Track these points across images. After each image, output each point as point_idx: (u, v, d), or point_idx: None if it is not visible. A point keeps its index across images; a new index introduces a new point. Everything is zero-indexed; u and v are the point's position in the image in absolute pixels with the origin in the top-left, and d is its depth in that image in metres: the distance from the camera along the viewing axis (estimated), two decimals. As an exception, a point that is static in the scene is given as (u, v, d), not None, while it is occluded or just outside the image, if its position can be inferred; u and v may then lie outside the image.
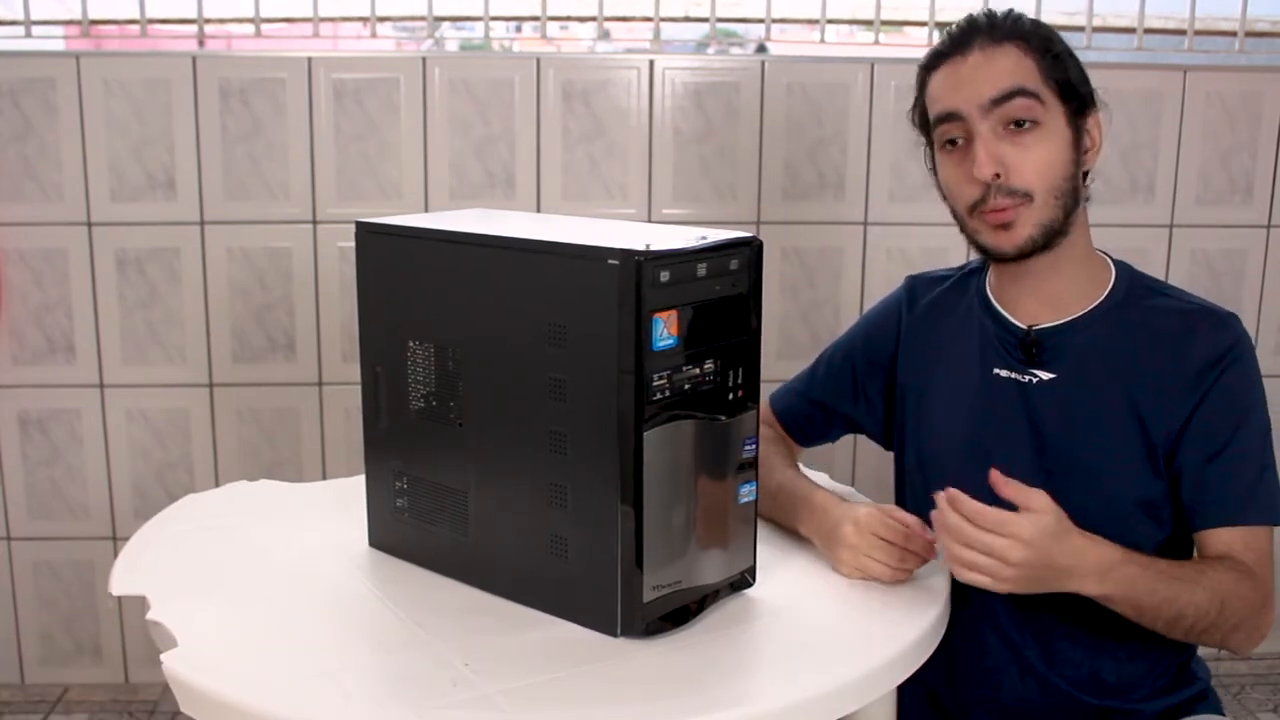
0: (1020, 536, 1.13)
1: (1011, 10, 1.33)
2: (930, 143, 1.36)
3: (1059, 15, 2.45)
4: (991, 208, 1.28)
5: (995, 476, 1.16)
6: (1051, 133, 1.28)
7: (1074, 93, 1.30)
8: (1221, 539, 1.27)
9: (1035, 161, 1.27)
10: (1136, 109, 2.39)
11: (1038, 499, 1.15)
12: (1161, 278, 2.37)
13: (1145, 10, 2.45)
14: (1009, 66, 1.28)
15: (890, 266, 2.39)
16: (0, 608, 2.44)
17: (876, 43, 2.45)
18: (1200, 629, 1.23)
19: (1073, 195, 1.31)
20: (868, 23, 2.47)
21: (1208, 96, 2.40)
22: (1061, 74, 1.29)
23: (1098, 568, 1.18)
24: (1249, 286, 2.48)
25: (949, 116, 1.30)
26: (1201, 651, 1.42)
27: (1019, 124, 1.27)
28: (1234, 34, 2.48)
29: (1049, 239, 1.30)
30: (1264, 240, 2.47)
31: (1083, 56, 1.34)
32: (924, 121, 1.36)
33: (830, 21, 2.43)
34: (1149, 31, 2.47)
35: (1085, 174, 1.35)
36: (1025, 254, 1.30)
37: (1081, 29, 2.44)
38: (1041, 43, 1.30)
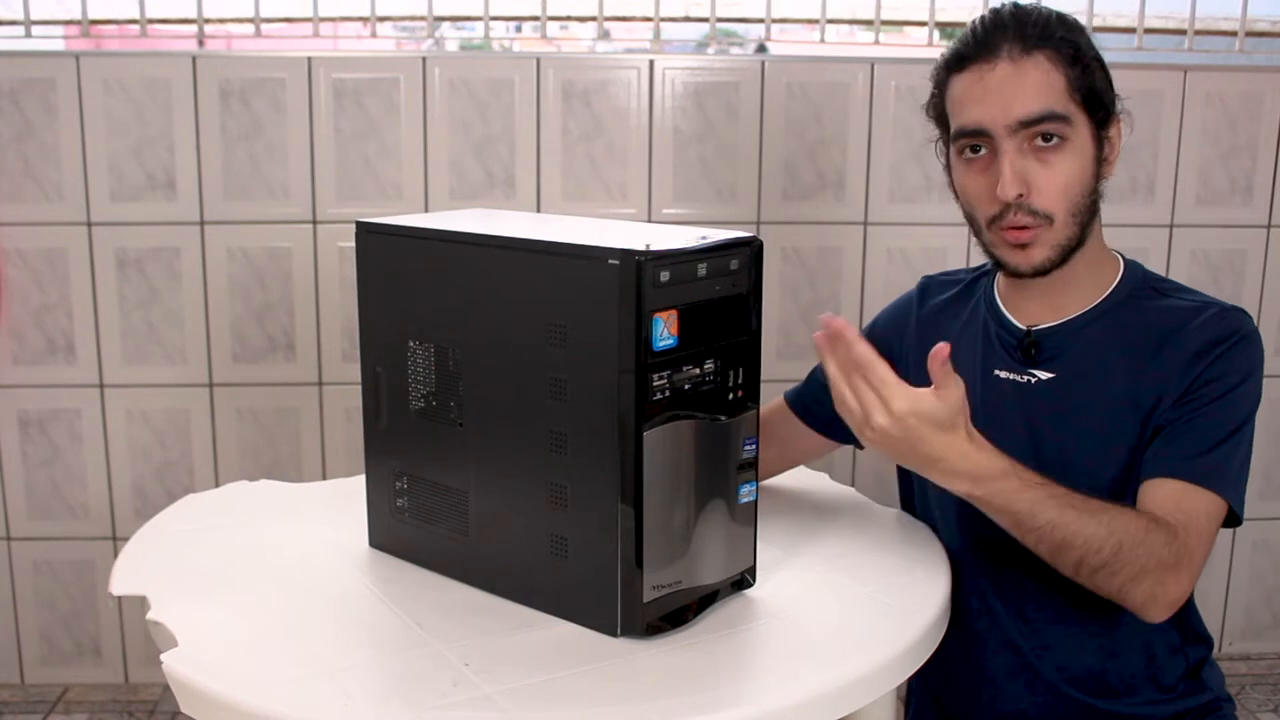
0: (889, 404, 1.11)
1: (1040, 10, 1.29)
2: (947, 140, 1.34)
3: (1059, 15, 2.44)
4: (1010, 224, 1.28)
5: (938, 350, 1.12)
6: (1077, 150, 1.27)
7: (1099, 103, 1.28)
8: (1157, 491, 1.23)
9: (1059, 181, 1.26)
10: (1136, 109, 2.36)
11: (948, 389, 1.12)
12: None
13: (1145, 10, 2.45)
14: (1038, 83, 1.25)
15: (890, 266, 2.39)
16: (0, 608, 2.44)
17: (876, 43, 2.45)
18: (1092, 566, 1.17)
19: (1090, 210, 1.30)
20: (868, 23, 2.47)
21: (1208, 96, 2.40)
22: (1088, 84, 1.27)
23: (972, 472, 1.15)
24: (1249, 286, 2.48)
25: (975, 132, 1.28)
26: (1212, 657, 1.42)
27: (1046, 137, 1.26)
28: (1234, 34, 2.48)
29: (1065, 257, 1.29)
30: (1264, 240, 2.47)
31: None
32: (940, 116, 1.34)
33: (830, 21, 2.43)
34: (1149, 31, 2.48)
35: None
36: (1041, 273, 1.30)
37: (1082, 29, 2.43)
38: (1070, 50, 1.27)
